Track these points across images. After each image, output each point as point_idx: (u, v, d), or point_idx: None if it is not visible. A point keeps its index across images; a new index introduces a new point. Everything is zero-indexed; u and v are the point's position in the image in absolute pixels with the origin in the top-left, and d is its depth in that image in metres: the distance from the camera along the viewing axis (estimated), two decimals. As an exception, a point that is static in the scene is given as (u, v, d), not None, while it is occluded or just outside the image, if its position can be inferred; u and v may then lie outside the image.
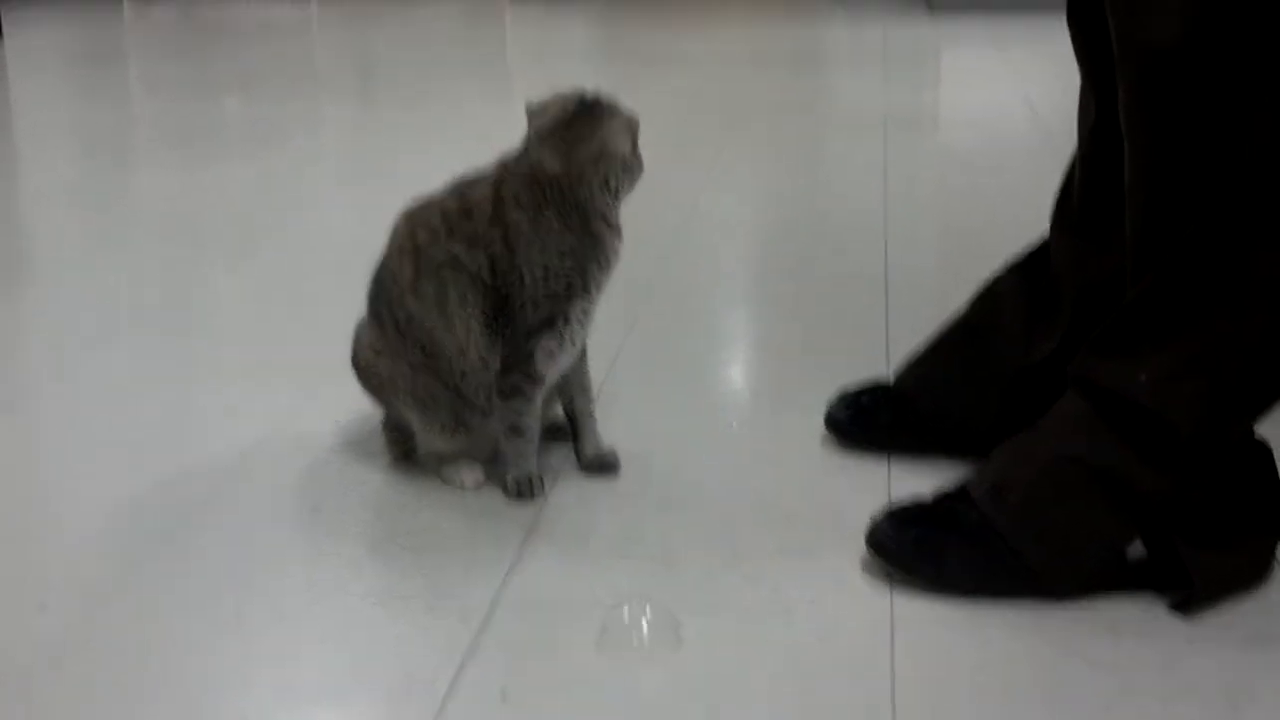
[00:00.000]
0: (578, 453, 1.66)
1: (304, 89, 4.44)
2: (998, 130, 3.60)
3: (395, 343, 1.57)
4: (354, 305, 1.63)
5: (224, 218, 2.81)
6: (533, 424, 1.57)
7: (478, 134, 3.57)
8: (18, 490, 1.62)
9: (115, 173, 3.31)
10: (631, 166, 1.56)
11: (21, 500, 1.59)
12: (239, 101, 4.24)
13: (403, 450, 1.66)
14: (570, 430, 1.67)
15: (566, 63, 5.06)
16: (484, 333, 1.54)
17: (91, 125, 3.88)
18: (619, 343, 2.06)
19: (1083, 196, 1.52)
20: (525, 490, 1.58)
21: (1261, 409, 1.36)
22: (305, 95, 4.32)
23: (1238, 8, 1.24)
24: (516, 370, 1.55)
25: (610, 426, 1.75)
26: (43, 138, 3.77)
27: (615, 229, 1.56)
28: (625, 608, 1.31)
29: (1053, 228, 1.58)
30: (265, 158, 3.39)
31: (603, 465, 1.64)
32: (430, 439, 1.61)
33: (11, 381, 1.95)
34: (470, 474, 1.62)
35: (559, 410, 1.68)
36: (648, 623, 1.30)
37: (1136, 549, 1.38)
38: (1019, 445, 1.43)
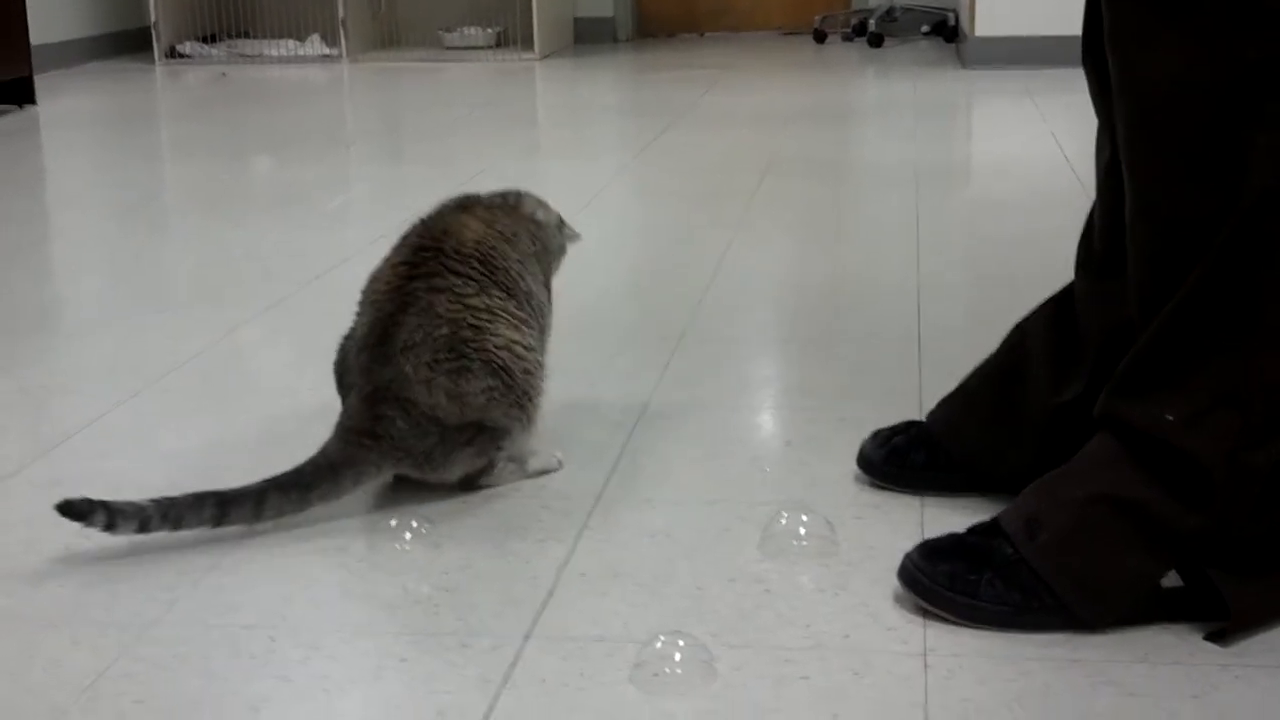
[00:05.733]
0: None
1: (334, 149, 4.50)
2: (1030, 180, 3.61)
3: (527, 313, 1.68)
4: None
5: (255, 277, 2.84)
6: None
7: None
8: (54, 528, 1.63)
9: (146, 233, 3.35)
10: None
11: (55, 537, 1.60)
12: (270, 162, 4.30)
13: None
14: None
15: (596, 119, 5.10)
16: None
17: (123, 186, 3.93)
18: (650, 389, 2.07)
19: (1102, 236, 1.53)
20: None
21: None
22: (336, 155, 4.38)
23: (1233, 41, 1.25)
24: None
25: (641, 470, 1.76)
26: (74, 199, 3.83)
27: None
28: (659, 641, 1.31)
29: (1077, 269, 1.59)
30: (296, 217, 3.42)
31: None
32: (528, 428, 1.68)
33: (43, 434, 1.97)
34: (554, 455, 1.75)
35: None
36: (682, 656, 1.29)
37: (1172, 577, 1.37)
38: (1052, 483, 1.43)
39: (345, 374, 1.67)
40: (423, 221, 1.71)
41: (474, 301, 1.61)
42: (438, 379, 1.59)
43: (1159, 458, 1.35)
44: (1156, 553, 1.36)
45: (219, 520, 1.54)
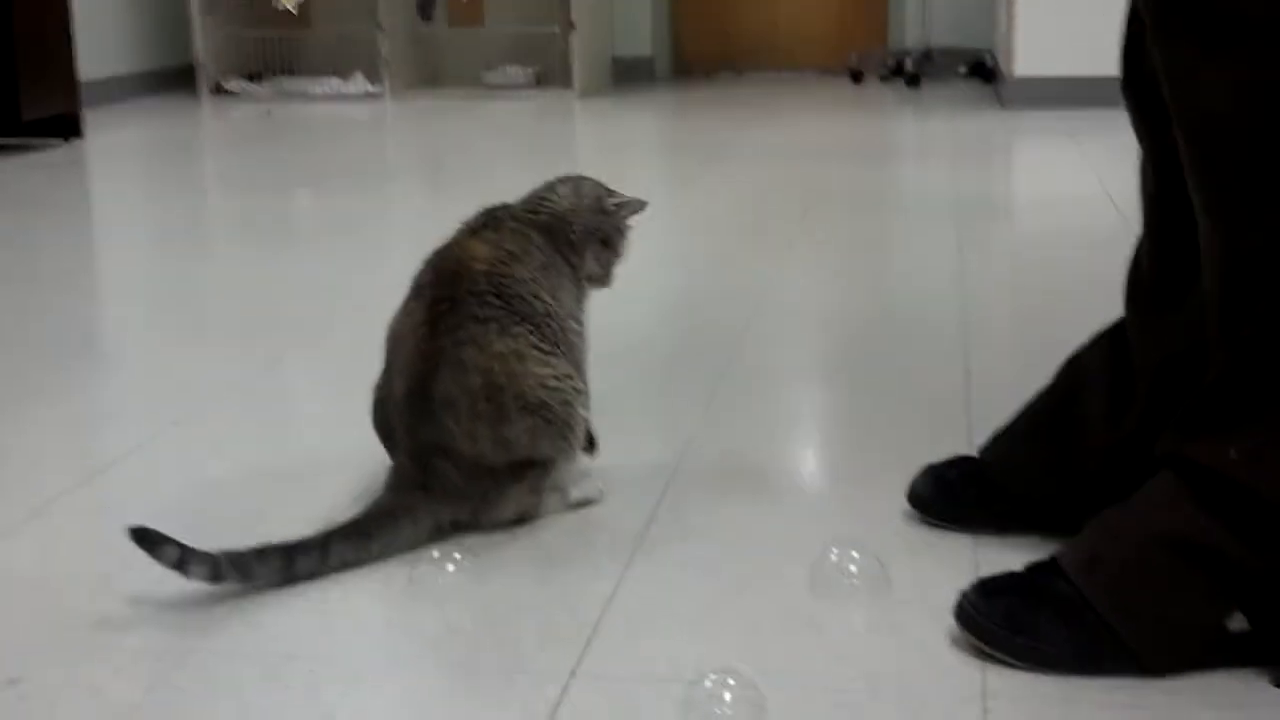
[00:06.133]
0: None
1: (376, 182, 4.50)
2: (1073, 218, 3.57)
3: (551, 338, 1.66)
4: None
5: (298, 306, 2.83)
6: None
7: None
8: (93, 561, 1.61)
9: (190, 262, 3.35)
10: None
11: (95, 569, 1.58)
12: (312, 194, 4.30)
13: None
14: None
15: (636, 155, 5.09)
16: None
17: (168, 217, 3.94)
18: (695, 422, 2.04)
19: (1151, 266, 1.50)
20: None
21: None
22: (377, 188, 4.38)
23: (1276, 73, 1.23)
24: None
25: (687, 503, 1.73)
26: (121, 230, 3.84)
27: None
28: (708, 681, 1.27)
29: (1126, 302, 1.55)
30: (338, 248, 3.42)
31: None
32: (571, 458, 1.68)
33: (85, 461, 1.95)
34: (596, 485, 1.74)
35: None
36: (732, 697, 1.26)
37: (1238, 621, 1.33)
38: (1112, 520, 1.39)
39: (389, 432, 1.68)
40: (433, 265, 1.69)
41: (499, 347, 1.61)
42: (480, 429, 1.60)
43: (1222, 495, 1.31)
44: (1221, 593, 1.32)
45: (286, 571, 1.51)
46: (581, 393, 1.68)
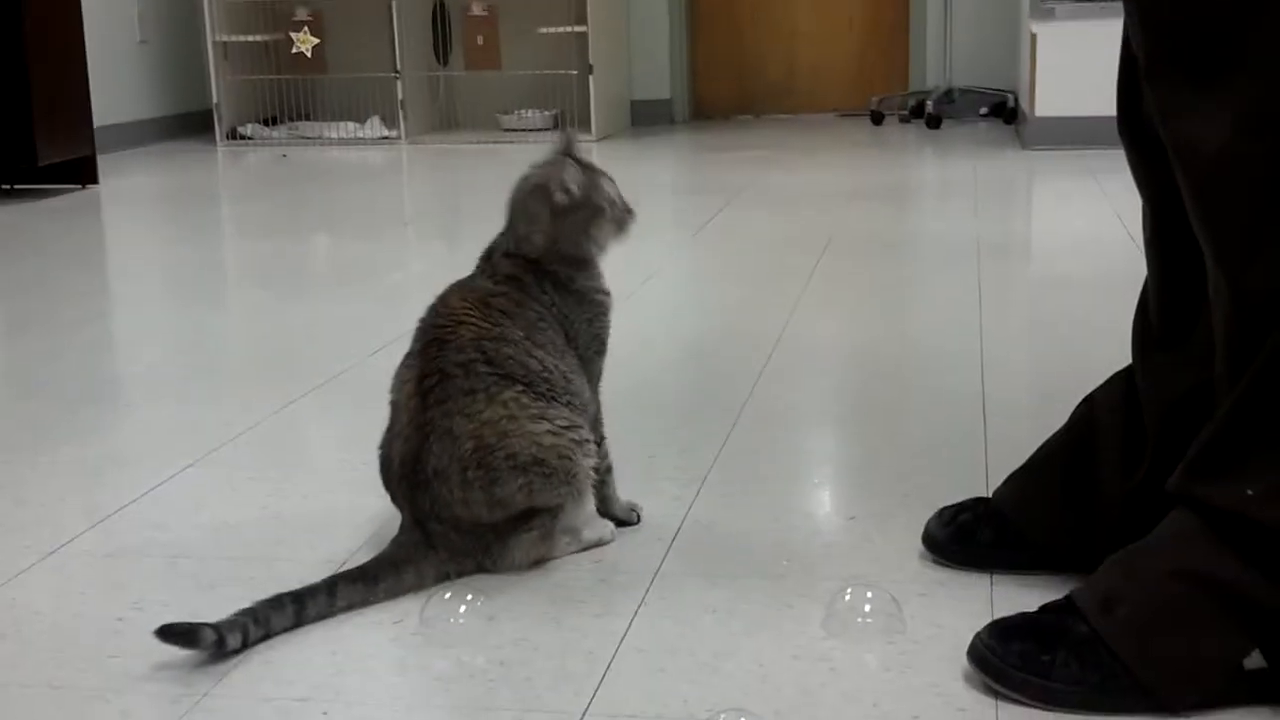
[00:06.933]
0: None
1: (392, 226, 4.52)
2: (1094, 257, 3.56)
3: (547, 392, 1.65)
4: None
5: (312, 350, 2.84)
6: None
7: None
8: (107, 604, 1.61)
9: (204, 306, 3.37)
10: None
11: (108, 612, 1.58)
12: (327, 239, 4.32)
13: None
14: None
15: (654, 197, 5.10)
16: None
17: (182, 262, 3.97)
18: (710, 461, 2.03)
19: (1156, 308, 1.49)
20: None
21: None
22: (393, 232, 4.40)
23: (1275, 108, 1.22)
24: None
25: (701, 544, 1.72)
26: (133, 274, 3.86)
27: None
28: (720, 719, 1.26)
29: (1133, 345, 1.55)
30: (353, 292, 3.43)
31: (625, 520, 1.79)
32: (580, 501, 1.67)
33: (99, 504, 1.95)
34: (607, 525, 1.74)
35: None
36: (743, 736, 1.25)
37: (1255, 659, 1.31)
38: (1128, 559, 1.38)
39: (394, 492, 1.69)
40: (424, 329, 1.69)
41: (488, 414, 1.62)
42: (472, 494, 1.61)
43: (1239, 532, 1.30)
44: (1239, 629, 1.31)
45: (299, 617, 1.53)
46: (584, 442, 1.66)
